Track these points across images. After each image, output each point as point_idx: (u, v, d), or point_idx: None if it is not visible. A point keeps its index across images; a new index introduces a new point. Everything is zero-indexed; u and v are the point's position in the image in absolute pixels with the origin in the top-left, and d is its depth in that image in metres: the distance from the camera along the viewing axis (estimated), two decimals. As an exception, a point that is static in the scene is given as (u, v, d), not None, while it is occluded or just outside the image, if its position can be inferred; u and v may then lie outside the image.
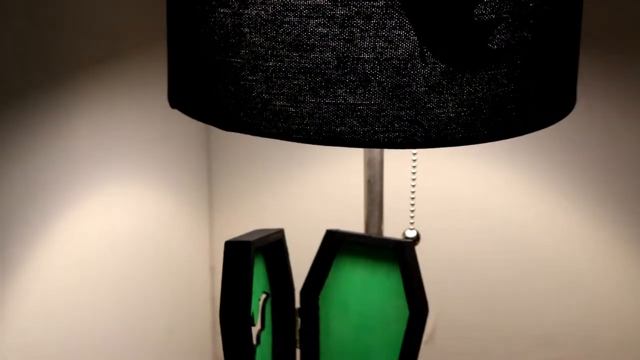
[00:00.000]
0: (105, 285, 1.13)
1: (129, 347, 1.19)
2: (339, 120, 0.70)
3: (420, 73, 0.69)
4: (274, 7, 0.69)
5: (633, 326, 1.15)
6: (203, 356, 1.39)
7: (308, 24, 0.69)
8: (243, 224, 0.90)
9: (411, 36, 0.68)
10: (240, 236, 0.84)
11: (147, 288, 1.22)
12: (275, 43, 0.70)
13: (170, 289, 1.28)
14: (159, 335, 1.26)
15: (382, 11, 0.68)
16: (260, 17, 0.70)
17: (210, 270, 1.36)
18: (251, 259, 0.82)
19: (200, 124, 1.10)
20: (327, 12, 0.69)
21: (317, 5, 0.68)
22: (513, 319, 1.21)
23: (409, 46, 0.69)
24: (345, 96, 0.70)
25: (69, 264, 1.05)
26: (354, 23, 0.68)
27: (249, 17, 0.70)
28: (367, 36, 0.68)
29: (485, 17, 0.69)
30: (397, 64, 0.69)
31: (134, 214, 1.18)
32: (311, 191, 1.25)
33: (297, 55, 0.70)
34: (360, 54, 0.69)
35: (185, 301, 1.32)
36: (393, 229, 0.97)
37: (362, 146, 0.72)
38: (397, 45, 0.68)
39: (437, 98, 0.70)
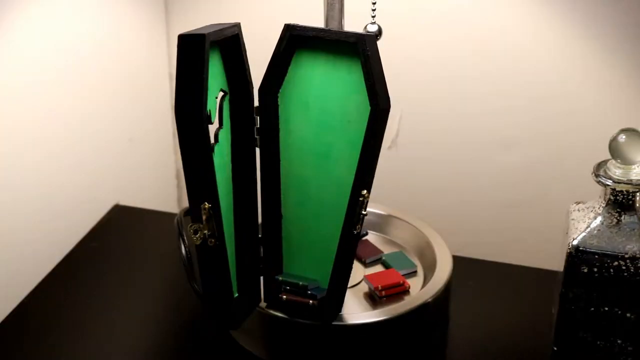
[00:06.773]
0: (61, 92, 1.10)
1: (89, 157, 1.17)
2: None
3: None
4: None
5: (600, 125, 1.13)
6: (165, 166, 1.37)
7: None
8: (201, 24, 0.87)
9: None
10: (195, 30, 0.81)
11: (104, 95, 1.19)
12: None
13: (129, 96, 1.25)
14: (119, 145, 1.24)
15: None
16: None
17: (169, 78, 1.33)
18: (206, 52, 0.79)
19: None
20: None
21: None
22: (478, 122, 1.19)
23: None
24: None
25: (24, 63, 1.02)
26: None
27: None
28: None
29: None
30: None
31: (88, 18, 1.13)
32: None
33: None
34: None
35: (145, 109, 1.29)
36: (354, 22, 0.93)
37: None
38: None
39: None
